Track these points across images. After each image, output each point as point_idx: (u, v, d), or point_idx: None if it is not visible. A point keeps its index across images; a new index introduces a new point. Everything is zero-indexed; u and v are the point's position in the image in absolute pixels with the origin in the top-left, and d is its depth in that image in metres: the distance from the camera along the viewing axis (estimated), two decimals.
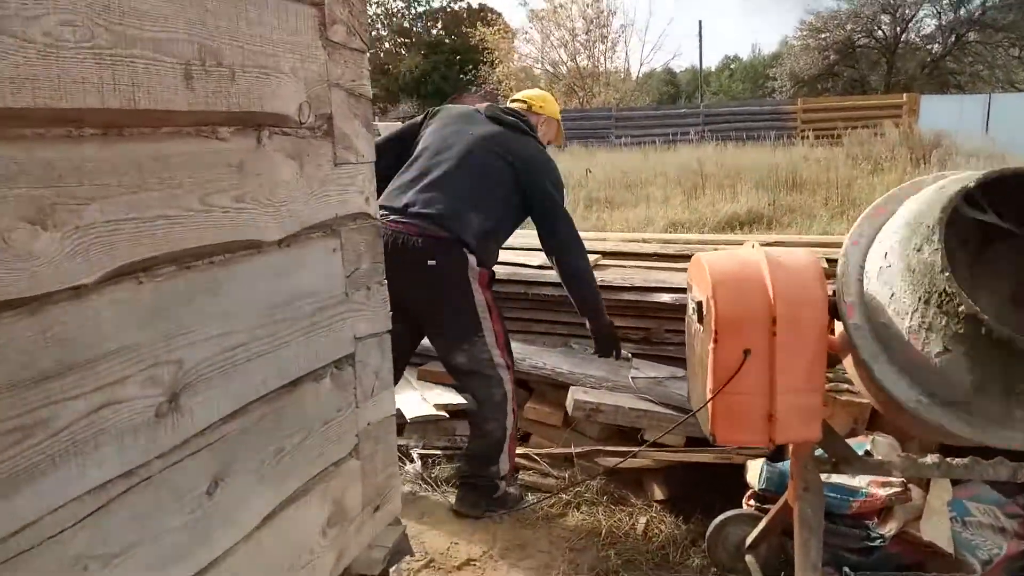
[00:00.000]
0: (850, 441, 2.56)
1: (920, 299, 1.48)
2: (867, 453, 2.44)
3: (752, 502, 2.37)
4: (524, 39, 33.83)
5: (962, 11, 31.74)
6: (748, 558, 2.24)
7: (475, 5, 47.57)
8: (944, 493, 2.38)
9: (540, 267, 3.30)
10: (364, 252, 1.33)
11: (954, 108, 21.72)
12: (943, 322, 1.44)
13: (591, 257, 3.48)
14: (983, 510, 2.45)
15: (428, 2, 49.11)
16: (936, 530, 2.18)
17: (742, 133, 20.04)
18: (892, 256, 1.56)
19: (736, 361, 1.74)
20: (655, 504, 2.70)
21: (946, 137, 13.55)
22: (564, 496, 2.69)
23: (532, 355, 3.06)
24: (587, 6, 31.77)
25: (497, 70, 33.33)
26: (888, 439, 2.54)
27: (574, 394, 2.79)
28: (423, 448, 2.93)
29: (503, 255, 3.54)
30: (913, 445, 2.52)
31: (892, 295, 1.55)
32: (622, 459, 2.59)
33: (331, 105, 1.21)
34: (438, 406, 2.92)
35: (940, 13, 32.59)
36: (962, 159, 11.18)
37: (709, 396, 1.80)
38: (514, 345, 3.16)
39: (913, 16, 32.74)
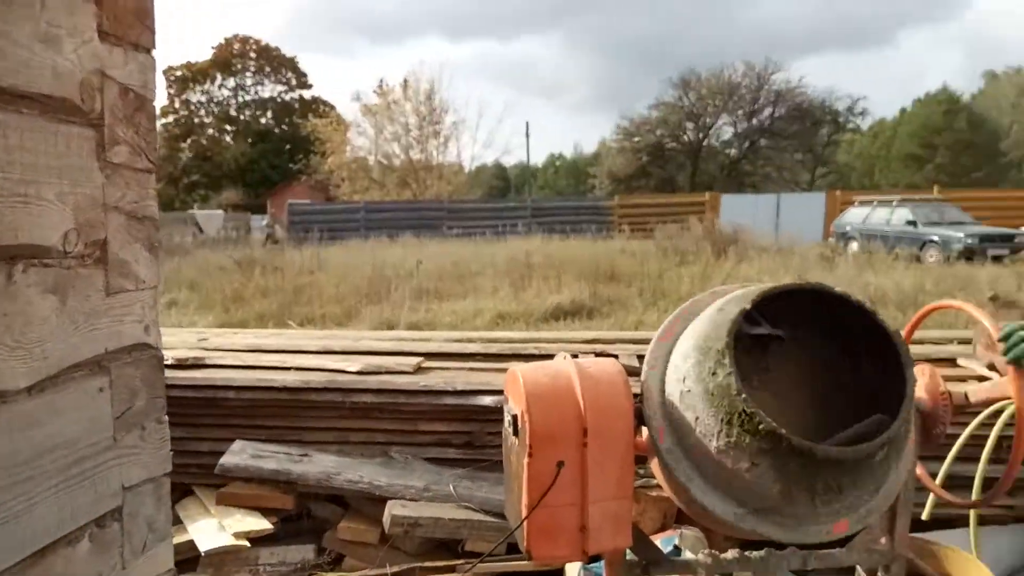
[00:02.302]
0: (660, 535, 2.66)
1: (723, 420, 1.58)
2: (676, 547, 2.54)
3: None
4: (358, 132, 34.19)
5: (754, 120, 36.29)
6: None
7: (307, 97, 47.66)
8: None
9: (360, 373, 3.21)
10: (140, 388, 1.21)
11: (750, 205, 24.43)
12: (747, 440, 1.55)
13: (414, 360, 3.46)
14: None
15: (257, 92, 48.48)
16: None
17: (566, 226, 21.24)
18: (690, 381, 1.67)
19: (550, 474, 1.75)
20: None
21: (743, 232, 15.14)
22: None
23: (347, 468, 2.92)
24: (420, 104, 32.87)
25: (329, 160, 33.21)
26: (695, 531, 2.65)
27: (391, 509, 2.68)
28: None
29: (319, 360, 3.44)
30: (717, 539, 2.65)
31: (697, 418, 1.65)
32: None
33: (107, 230, 1.12)
34: (238, 534, 2.68)
35: (736, 122, 37.13)
36: (755, 253, 12.47)
37: (525, 512, 1.79)
38: (330, 458, 3.02)
39: (713, 124, 37.02)
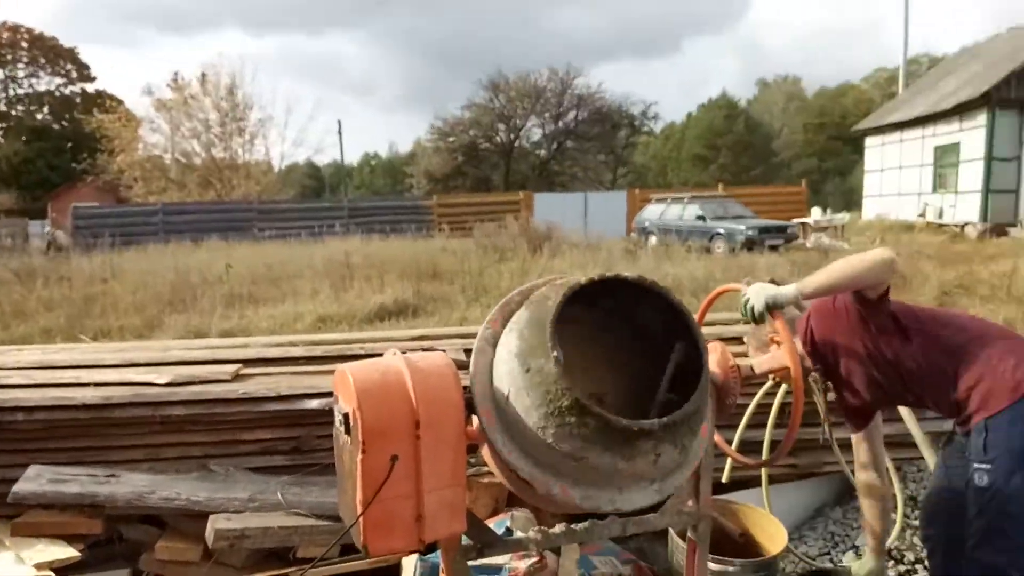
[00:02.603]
0: (493, 519, 2.75)
1: (616, 447, 1.70)
2: (508, 529, 2.63)
3: None
4: (151, 128, 31.53)
5: (560, 123, 37.97)
6: None
7: (91, 91, 43.20)
8: (573, 554, 2.66)
9: (170, 384, 3.00)
10: None
11: (560, 204, 25.57)
12: (646, 445, 1.71)
13: (231, 368, 3.28)
14: (604, 561, 2.80)
15: (31, 85, 43.22)
16: None
17: (386, 226, 21.06)
18: (550, 435, 1.73)
19: (384, 469, 1.75)
20: None
21: (555, 229, 15.84)
22: None
23: (162, 485, 2.73)
24: (221, 99, 30.95)
25: (119, 159, 30.35)
26: (525, 512, 2.77)
27: (215, 523, 2.54)
28: None
29: (122, 374, 3.17)
30: (545, 516, 2.78)
31: (585, 458, 1.73)
32: None
33: None
34: (40, 565, 2.42)
35: (544, 124, 38.62)
36: (568, 248, 13.11)
37: (360, 508, 1.78)
38: (142, 477, 2.80)
39: (523, 126, 38.26)
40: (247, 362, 3.46)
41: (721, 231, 17.15)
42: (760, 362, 2.39)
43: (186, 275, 10.43)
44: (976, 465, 2.12)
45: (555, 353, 1.73)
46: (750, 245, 15.88)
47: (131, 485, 2.70)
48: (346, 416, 1.83)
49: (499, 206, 23.77)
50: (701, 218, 18.12)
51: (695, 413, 1.81)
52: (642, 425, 1.69)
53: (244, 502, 2.69)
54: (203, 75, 31.03)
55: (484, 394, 1.87)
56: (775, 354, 2.34)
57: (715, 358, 2.16)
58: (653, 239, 17.91)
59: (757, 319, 2.21)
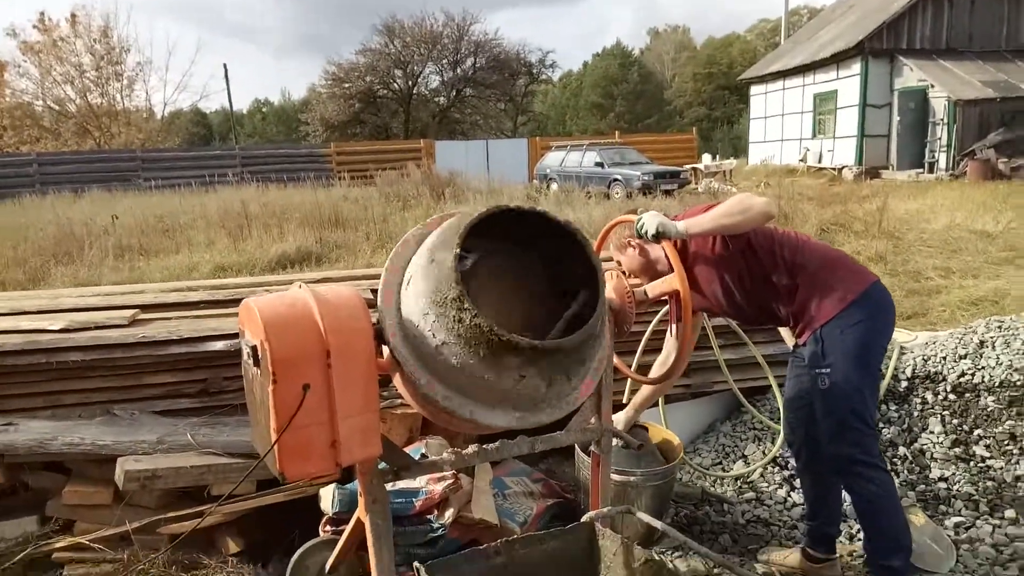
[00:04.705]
0: (408, 448, 2.85)
1: (484, 355, 1.74)
2: (423, 456, 2.74)
3: (328, 527, 2.45)
4: (18, 72, 28.95)
5: (458, 70, 37.25)
6: None
7: None
8: (486, 475, 2.80)
9: (64, 331, 2.89)
10: None
11: (462, 151, 25.39)
12: (511, 361, 1.75)
13: (128, 313, 3.19)
14: (516, 482, 2.96)
15: None
16: (484, 508, 2.55)
17: (282, 175, 20.34)
18: (441, 334, 1.77)
19: (296, 398, 1.78)
20: (231, 559, 2.59)
21: (458, 176, 15.79)
22: None
23: (64, 431, 2.65)
24: (95, 41, 28.73)
25: None
26: (439, 439, 2.88)
27: (124, 465, 2.51)
28: None
29: (12, 322, 3.02)
30: (458, 440, 2.90)
31: (461, 364, 1.78)
32: (195, 523, 2.42)
33: None
34: None
35: (442, 71, 37.75)
36: (471, 194, 13.12)
37: (274, 437, 1.81)
38: (42, 424, 2.72)
39: (421, 72, 37.26)
40: (144, 307, 3.37)
41: (618, 177, 17.56)
42: (653, 286, 2.55)
43: (69, 227, 9.82)
44: (817, 371, 2.39)
45: (456, 251, 1.76)
46: (646, 190, 16.38)
47: (31, 432, 2.62)
48: (254, 348, 1.82)
49: (400, 154, 23.36)
50: (599, 165, 18.49)
51: (592, 335, 1.89)
52: (510, 336, 1.72)
53: (153, 444, 2.66)
54: (73, 16, 28.72)
55: (393, 322, 1.92)
56: (666, 279, 2.51)
57: (612, 286, 2.29)
58: (554, 185, 18.14)
59: (651, 239, 2.39)
